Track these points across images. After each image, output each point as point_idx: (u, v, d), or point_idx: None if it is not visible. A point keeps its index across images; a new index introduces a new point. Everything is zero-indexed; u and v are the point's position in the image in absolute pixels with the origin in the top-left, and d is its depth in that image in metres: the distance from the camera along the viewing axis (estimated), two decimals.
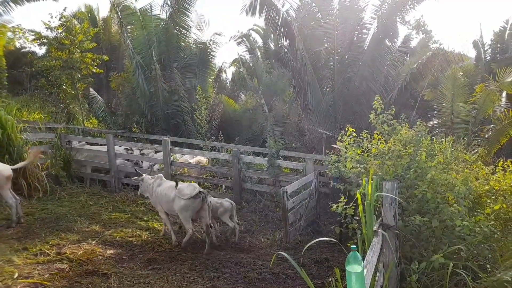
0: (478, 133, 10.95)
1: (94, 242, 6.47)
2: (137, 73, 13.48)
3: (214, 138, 12.01)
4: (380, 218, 3.96)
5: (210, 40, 15.37)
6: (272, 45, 22.52)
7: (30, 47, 20.69)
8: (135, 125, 13.19)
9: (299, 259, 5.98)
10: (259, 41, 24.37)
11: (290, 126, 14.73)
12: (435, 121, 13.23)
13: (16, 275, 5.11)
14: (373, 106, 6.25)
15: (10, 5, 14.52)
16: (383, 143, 5.37)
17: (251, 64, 22.72)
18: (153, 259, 5.96)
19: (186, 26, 14.92)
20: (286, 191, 7.07)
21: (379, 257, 3.65)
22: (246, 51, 22.91)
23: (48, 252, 5.96)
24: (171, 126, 14.21)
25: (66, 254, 5.91)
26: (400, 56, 13.30)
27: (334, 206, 4.74)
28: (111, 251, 6.24)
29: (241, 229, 7.79)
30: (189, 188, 6.47)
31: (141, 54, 14.11)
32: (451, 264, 3.77)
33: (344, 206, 4.63)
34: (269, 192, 9.24)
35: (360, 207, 3.77)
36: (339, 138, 5.74)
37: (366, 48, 12.49)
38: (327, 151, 5.96)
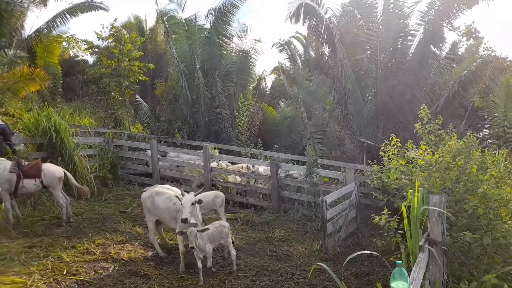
0: None
1: (137, 243, 6.70)
2: (180, 81, 13.90)
3: (253, 145, 12.09)
4: (426, 233, 3.78)
5: (251, 48, 15.57)
6: (312, 53, 22.41)
7: (82, 56, 22.03)
8: (177, 131, 13.58)
9: (338, 271, 5.84)
10: (300, 49, 24.36)
11: (329, 135, 14.51)
12: (486, 132, 12.49)
13: (65, 272, 5.40)
14: (419, 115, 6.01)
15: (66, 17, 15.63)
16: (430, 154, 5.14)
17: (291, 72, 22.72)
18: (192, 263, 6.06)
19: (228, 35, 15.22)
20: (326, 201, 6.96)
21: (425, 274, 3.47)
22: (286, 58, 22.98)
23: (94, 251, 6.25)
24: (212, 132, 14.49)
25: (111, 254, 6.17)
26: (447, 64, 12.71)
27: (377, 218, 4.58)
28: (152, 253, 6.43)
29: (278, 237, 7.75)
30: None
31: (184, 62, 14.56)
32: (506, 286, 3.51)
33: (388, 219, 4.46)
34: (308, 201, 9.12)
35: (405, 220, 3.62)
36: (382, 148, 5.56)
37: (411, 55, 12.06)
38: (369, 161, 5.78)
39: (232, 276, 5.81)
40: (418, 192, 3.68)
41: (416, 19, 11.94)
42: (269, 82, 24.89)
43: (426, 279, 3.57)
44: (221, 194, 7.46)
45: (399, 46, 12.19)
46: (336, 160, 11.31)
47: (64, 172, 7.63)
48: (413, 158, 5.36)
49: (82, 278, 5.28)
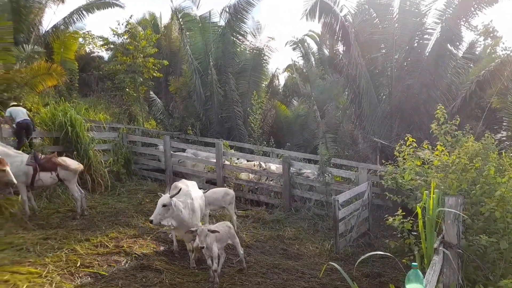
0: None
1: (149, 238, 6.77)
2: (194, 78, 13.96)
3: (265, 143, 12.07)
4: (441, 235, 3.72)
5: (265, 45, 15.54)
6: (326, 51, 22.25)
7: (98, 52, 22.30)
8: (190, 128, 13.66)
9: (349, 272, 5.79)
10: (314, 47, 24.21)
11: (342, 134, 14.39)
12: (504, 133, 12.20)
13: (78, 264, 5.49)
14: (435, 116, 5.91)
15: (83, 13, 15.85)
16: (446, 155, 5.05)
17: (304, 70, 22.62)
18: (203, 259, 6.10)
19: (243, 32, 15.23)
20: (338, 200, 6.92)
21: (439, 277, 3.42)
22: (300, 56, 22.87)
23: (107, 244, 6.34)
24: (224, 129, 14.53)
25: (123, 248, 6.25)
26: (464, 63, 12.47)
27: (390, 219, 4.53)
28: (164, 248, 6.49)
29: (289, 236, 7.74)
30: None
31: (198, 59, 14.62)
32: None
33: (402, 220, 4.40)
34: (319, 200, 9.08)
35: (420, 222, 3.56)
36: (397, 148, 5.48)
37: (427, 54, 11.87)
38: (383, 161, 5.70)
39: (243, 273, 5.82)
40: (434, 194, 3.62)
41: (433, 17, 11.75)
42: (282, 80, 24.86)
43: (440, 282, 3.51)
44: (231, 191, 7.46)
45: (415, 45, 12.02)
46: (348, 159, 11.22)
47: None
48: (428, 159, 5.27)
49: (95, 271, 5.36)
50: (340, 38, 12.02)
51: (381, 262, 6.73)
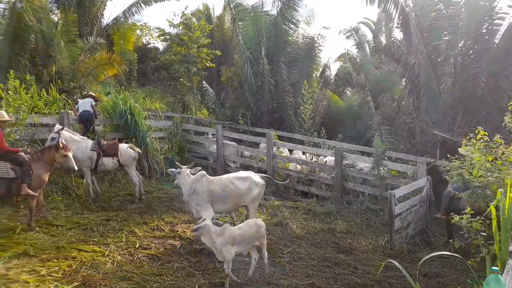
0: None
1: None
2: (245, 68, 14.01)
3: (316, 134, 11.85)
4: None
5: (318, 34, 15.16)
6: (383, 39, 21.27)
7: (154, 43, 23.16)
8: (241, 117, 13.77)
9: (406, 270, 5.54)
10: (369, 35, 23.28)
11: (398, 126, 13.72)
12: None
13: (137, 245, 5.77)
14: (509, 108, 5.40)
15: (141, 6, 16.50)
16: None
17: (358, 60, 21.80)
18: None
19: (295, 21, 14.96)
20: (394, 195, 6.62)
21: None
22: (354, 45, 22.09)
23: (163, 228, 6.60)
24: (275, 119, 14.45)
25: (178, 232, 6.47)
26: None
27: (457, 218, 4.22)
28: None
29: (341, 229, 7.57)
30: None
31: (250, 49, 14.62)
32: None
33: (470, 219, 4.09)
34: (373, 194, 8.76)
35: (494, 222, 3.28)
36: (464, 142, 5.09)
37: (497, 41, 10.91)
38: (448, 155, 5.32)
39: (293, 265, 5.78)
40: (510, 192, 3.30)
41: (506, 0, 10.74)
42: (333, 70, 24.21)
43: None
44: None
45: (484, 31, 11.09)
46: (405, 153, 10.69)
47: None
48: (503, 154, 4.83)
49: (152, 253, 5.61)
50: (399, 25, 11.40)
51: (440, 262, 6.36)
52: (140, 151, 8.26)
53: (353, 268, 5.92)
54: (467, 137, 5.23)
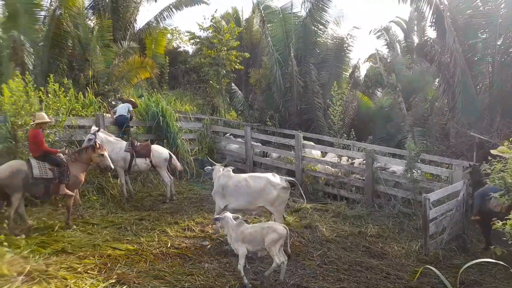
0: None
1: None
2: (274, 69, 13.99)
3: (345, 135, 11.68)
4: None
5: (348, 34, 14.94)
6: (416, 38, 20.68)
7: (184, 47, 23.60)
8: (269, 119, 13.76)
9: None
10: (400, 35, 22.67)
11: (431, 127, 13.27)
12: None
13: (169, 245, 5.90)
14: None
15: (172, 10, 16.88)
16: None
17: (388, 60, 21.30)
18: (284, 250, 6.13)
19: (324, 22, 14.81)
20: (429, 199, 6.42)
21: None
22: (384, 45, 21.57)
23: (193, 228, 6.71)
24: (303, 121, 14.35)
25: (208, 233, 6.56)
26: None
27: (499, 223, 4.03)
28: None
29: (372, 233, 7.41)
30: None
31: (279, 51, 14.60)
32: None
33: None
34: (406, 198, 8.52)
35: None
36: (505, 144, 4.84)
37: None
38: (490, 158, 5.07)
39: (323, 268, 5.72)
40: None
41: None
42: (363, 70, 23.78)
43: None
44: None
45: None
46: (439, 155, 10.33)
47: (169, 154, 8.28)
48: None
49: (183, 253, 5.70)
50: (433, 23, 11.05)
51: (478, 269, 6.10)
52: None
53: (386, 274, 5.79)
54: (510, 139, 4.97)
